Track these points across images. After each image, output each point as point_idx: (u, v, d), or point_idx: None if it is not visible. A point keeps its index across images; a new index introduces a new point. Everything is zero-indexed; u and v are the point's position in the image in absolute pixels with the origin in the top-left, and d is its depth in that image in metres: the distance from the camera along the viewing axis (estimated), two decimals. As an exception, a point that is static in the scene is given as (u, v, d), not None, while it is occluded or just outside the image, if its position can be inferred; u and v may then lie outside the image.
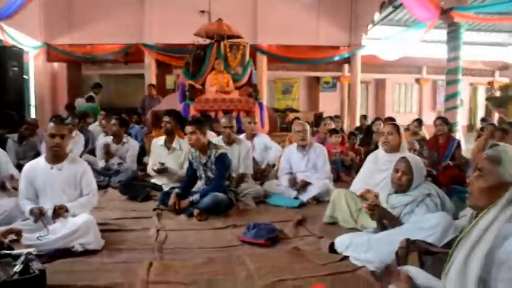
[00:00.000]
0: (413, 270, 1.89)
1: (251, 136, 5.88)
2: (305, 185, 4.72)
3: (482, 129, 8.23)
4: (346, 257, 2.83)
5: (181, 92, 8.26)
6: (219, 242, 3.27)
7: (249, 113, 7.44)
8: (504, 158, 1.60)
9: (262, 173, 5.48)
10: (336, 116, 8.75)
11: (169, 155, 5.17)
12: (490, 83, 16.81)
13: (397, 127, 3.81)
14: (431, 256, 2.11)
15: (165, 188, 4.72)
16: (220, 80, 7.92)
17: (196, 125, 4.17)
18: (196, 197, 4.07)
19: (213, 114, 7.41)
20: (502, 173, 1.58)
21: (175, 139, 5.21)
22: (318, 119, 11.30)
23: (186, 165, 4.72)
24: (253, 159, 5.38)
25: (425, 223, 2.68)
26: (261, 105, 7.99)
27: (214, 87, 7.84)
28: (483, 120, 12.12)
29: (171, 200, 4.11)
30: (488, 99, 11.35)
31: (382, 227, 2.94)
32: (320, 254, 2.94)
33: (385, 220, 2.92)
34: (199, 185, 4.38)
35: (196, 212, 3.91)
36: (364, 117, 11.21)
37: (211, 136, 5.44)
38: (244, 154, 4.94)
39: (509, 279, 1.42)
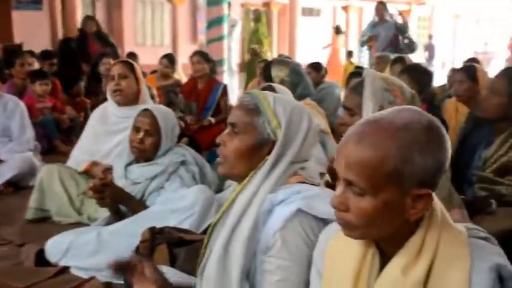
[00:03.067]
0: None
1: None
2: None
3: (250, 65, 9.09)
4: (65, 269, 2.86)
5: None
6: None
7: None
8: (263, 105, 1.80)
9: None
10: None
11: None
12: (267, 5, 18.77)
13: (131, 67, 3.96)
14: (186, 247, 2.32)
15: None
16: None
17: None
18: None
19: None
20: (261, 126, 1.80)
21: None
22: (11, 56, 10.70)
23: None
24: None
25: (178, 203, 2.90)
26: None
27: None
28: (254, 53, 12.90)
29: None
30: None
31: (118, 216, 3.05)
32: (21, 272, 2.89)
33: (123, 205, 3.05)
34: None
35: None
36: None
37: None
38: None
39: (277, 267, 1.65)
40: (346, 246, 1.41)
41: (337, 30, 15.75)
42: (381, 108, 2.21)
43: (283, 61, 4.66)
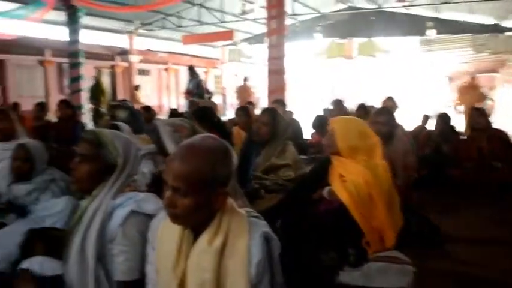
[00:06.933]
0: (39, 260, 1.90)
1: None
2: None
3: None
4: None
5: None
6: None
7: None
8: (105, 140, 1.73)
9: None
10: None
11: None
12: (113, 67, 18.13)
13: (5, 113, 3.53)
14: (57, 241, 2.13)
15: None
16: None
17: None
18: None
19: None
20: (105, 156, 1.72)
21: None
22: None
23: None
24: None
25: (51, 209, 2.68)
26: None
27: None
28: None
29: None
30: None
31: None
32: None
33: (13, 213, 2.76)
34: None
35: None
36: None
37: None
38: None
39: (120, 251, 1.61)
40: (172, 229, 1.41)
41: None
42: (177, 143, 2.21)
43: (124, 106, 4.50)
